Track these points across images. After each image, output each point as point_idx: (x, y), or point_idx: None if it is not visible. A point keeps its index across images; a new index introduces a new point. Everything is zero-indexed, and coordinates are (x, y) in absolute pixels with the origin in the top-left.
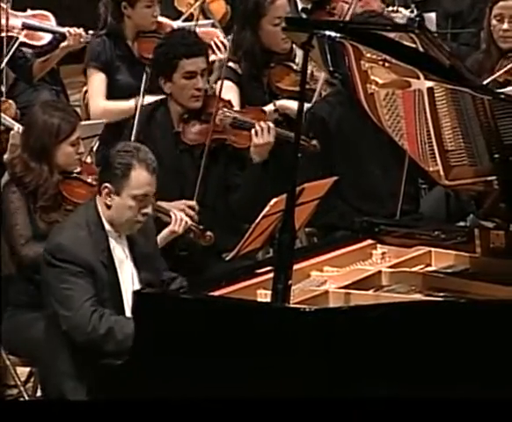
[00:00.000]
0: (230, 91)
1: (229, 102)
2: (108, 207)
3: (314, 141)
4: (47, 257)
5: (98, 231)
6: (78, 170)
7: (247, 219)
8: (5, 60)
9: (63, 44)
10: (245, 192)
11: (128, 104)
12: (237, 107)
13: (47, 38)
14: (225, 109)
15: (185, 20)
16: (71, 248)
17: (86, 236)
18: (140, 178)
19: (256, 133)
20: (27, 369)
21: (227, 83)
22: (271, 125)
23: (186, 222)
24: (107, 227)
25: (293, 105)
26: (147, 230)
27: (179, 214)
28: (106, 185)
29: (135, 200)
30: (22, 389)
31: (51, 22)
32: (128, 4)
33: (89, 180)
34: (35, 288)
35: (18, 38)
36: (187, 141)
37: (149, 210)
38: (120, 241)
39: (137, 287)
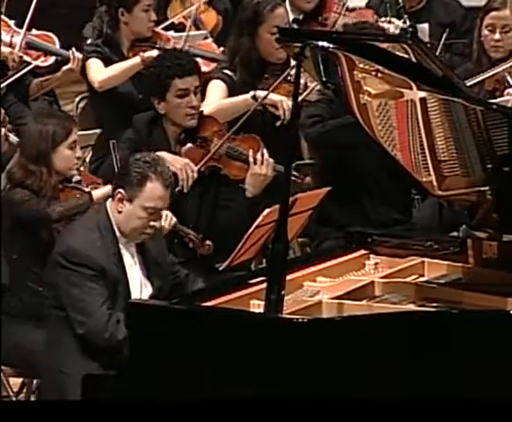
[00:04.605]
0: (219, 91)
1: (225, 127)
2: (119, 212)
3: (307, 179)
4: (59, 259)
5: (109, 235)
6: (78, 178)
7: (234, 236)
8: (7, 81)
9: (66, 67)
10: (234, 213)
11: (130, 62)
12: None
13: (50, 60)
14: (221, 135)
15: (176, 31)
16: (84, 251)
17: (98, 239)
18: (154, 191)
19: (255, 161)
20: (20, 380)
21: (218, 83)
22: (270, 159)
23: (172, 219)
24: (117, 232)
25: (272, 96)
26: (155, 234)
27: (165, 212)
28: (120, 190)
29: (146, 212)
30: (14, 400)
31: (55, 44)
32: (126, 10)
33: (87, 190)
34: (28, 297)
35: (29, 63)
36: None
37: (157, 224)
38: (129, 247)
39: (146, 293)
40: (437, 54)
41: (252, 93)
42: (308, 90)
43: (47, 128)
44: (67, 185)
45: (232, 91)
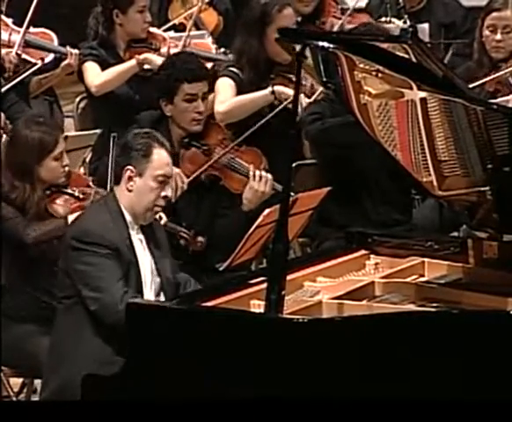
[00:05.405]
0: (229, 89)
1: (228, 136)
2: (130, 191)
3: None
4: (72, 242)
5: (119, 219)
6: (64, 183)
7: (231, 244)
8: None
9: (64, 63)
10: (231, 222)
11: (126, 65)
12: None
13: (49, 57)
14: (224, 144)
15: (176, 31)
16: (97, 231)
17: (109, 220)
18: (161, 157)
19: (255, 177)
20: (20, 380)
21: (227, 80)
22: (269, 177)
23: (162, 218)
24: (128, 217)
25: (289, 91)
26: (158, 233)
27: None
28: (128, 167)
29: (157, 181)
30: (14, 400)
31: (53, 41)
32: (120, 12)
33: (76, 193)
34: (28, 300)
35: (35, 64)
36: (183, 170)
37: (168, 193)
38: (139, 234)
39: (156, 282)
40: (449, 54)
41: (270, 89)
42: (318, 92)
43: (33, 136)
44: (53, 191)
45: (240, 89)
